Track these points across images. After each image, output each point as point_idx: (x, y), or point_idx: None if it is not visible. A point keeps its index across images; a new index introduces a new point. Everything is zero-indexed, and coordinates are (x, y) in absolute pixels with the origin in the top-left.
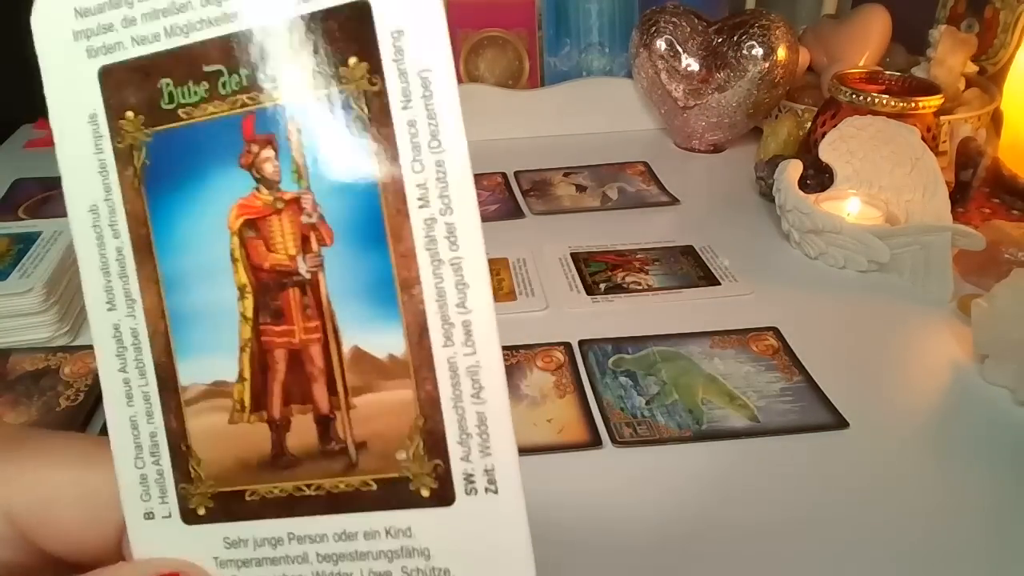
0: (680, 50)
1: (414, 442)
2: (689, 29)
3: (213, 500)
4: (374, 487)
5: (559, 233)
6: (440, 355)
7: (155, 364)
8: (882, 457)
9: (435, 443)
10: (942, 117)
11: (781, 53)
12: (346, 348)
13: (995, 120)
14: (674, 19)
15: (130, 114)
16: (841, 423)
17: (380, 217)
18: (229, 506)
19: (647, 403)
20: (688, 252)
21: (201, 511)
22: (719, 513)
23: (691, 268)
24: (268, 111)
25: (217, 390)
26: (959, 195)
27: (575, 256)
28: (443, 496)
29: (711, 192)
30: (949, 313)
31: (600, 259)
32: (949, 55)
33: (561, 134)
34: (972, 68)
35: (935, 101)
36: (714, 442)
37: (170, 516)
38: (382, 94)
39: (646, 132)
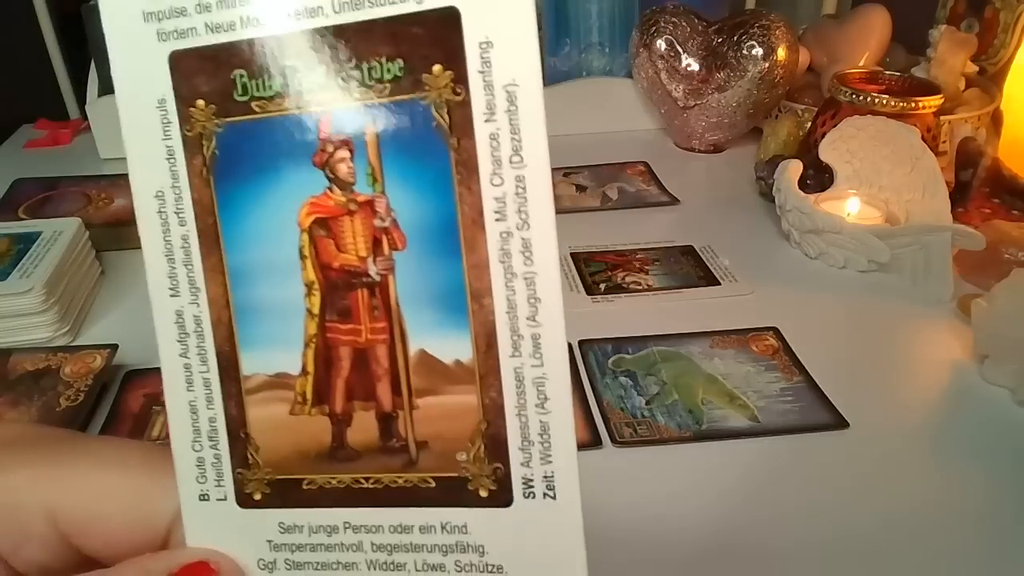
0: (680, 50)
1: (475, 445)
2: (689, 29)
3: (270, 486)
4: (432, 484)
5: (559, 233)
6: (507, 364)
7: (217, 352)
8: (882, 457)
9: (496, 447)
10: (942, 117)
11: (781, 53)
12: (412, 351)
13: (995, 120)
14: (674, 19)
15: (201, 103)
16: (841, 423)
17: (455, 227)
18: (286, 493)
19: (647, 403)
20: (688, 252)
21: (257, 496)
22: (719, 513)
23: (691, 268)
24: (345, 112)
25: (279, 382)
26: (959, 195)
27: (575, 256)
28: (501, 498)
29: (711, 192)
30: (949, 313)
31: (600, 259)
32: (949, 55)
33: (561, 134)
34: (972, 68)
35: (935, 101)
36: (714, 442)
37: (225, 499)
38: (465, 105)
39: (646, 132)
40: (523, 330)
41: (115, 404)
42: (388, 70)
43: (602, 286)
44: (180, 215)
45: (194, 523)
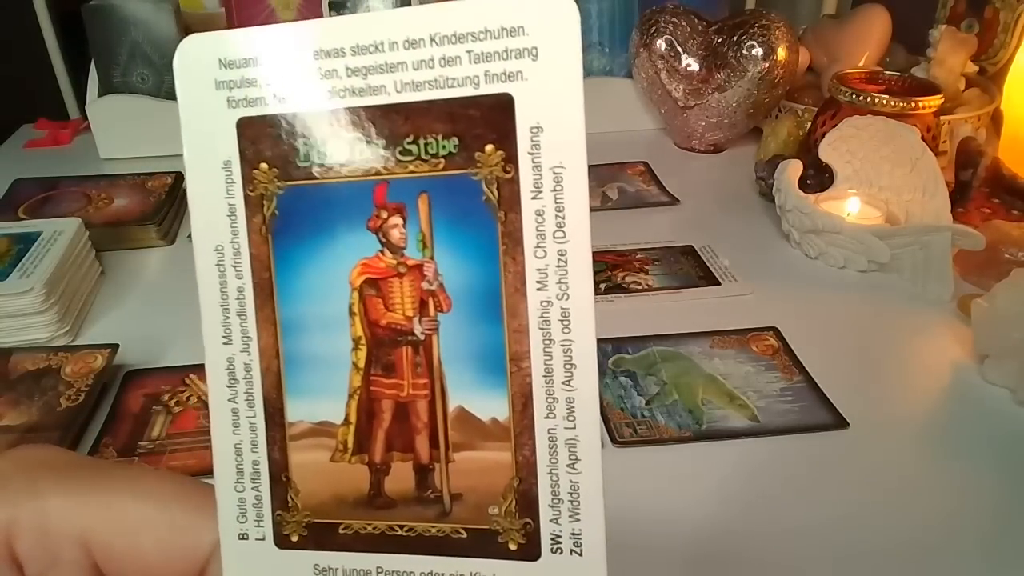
0: (680, 50)
1: (507, 500)
2: (689, 29)
3: (307, 529)
4: (464, 535)
5: None
6: (541, 425)
7: (264, 399)
8: (882, 457)
9: (527, 503)
10: (942, 117)
11: (781, 53)
12: (451, 407)
13: (995, 120)
14: (674, 19)
15: (264, 166)
16: (841, 423)
17: (499, 293)
18: (322, 536)
19: (647, 403)
20: (688, 252)
21: (294, 538)
22: (719, 513)
23: (691, 268)
24: (401, 182)
25: (322, 430)
26: (959, 195)
27: None
28: (529, 552)
29: (711, 192)
30: (949, 313)
31: (600, 259)
32: (949, 55)
33: None
34: (972, 68)
35: (935, 101)
36: (714, 442)
37: (264, 539)
38: (514, 182)
39: (646, 132)
40: (558, 393)
41: (115, 404)
42: (443, 146)
43: (602, 286)
44: (237, 269)
45: (232, 561)
